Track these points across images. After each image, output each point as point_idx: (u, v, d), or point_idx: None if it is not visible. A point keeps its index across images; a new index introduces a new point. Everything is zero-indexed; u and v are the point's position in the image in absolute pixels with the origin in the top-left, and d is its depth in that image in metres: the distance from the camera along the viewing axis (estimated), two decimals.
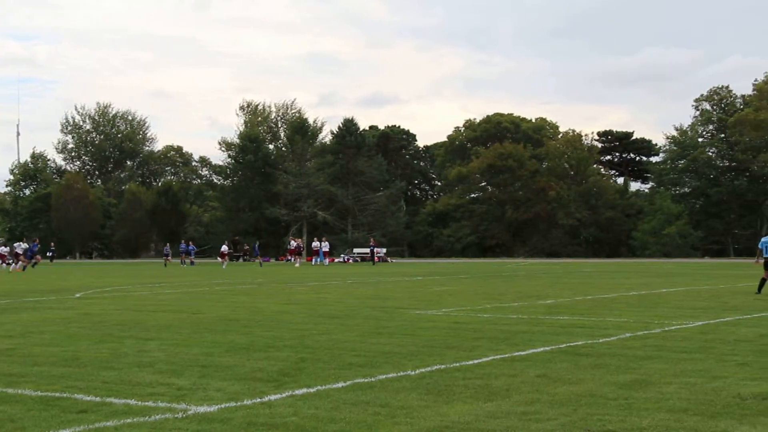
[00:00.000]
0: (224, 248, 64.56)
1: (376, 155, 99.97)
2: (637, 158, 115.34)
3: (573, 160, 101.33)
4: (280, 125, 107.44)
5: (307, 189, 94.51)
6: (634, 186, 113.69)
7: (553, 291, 25.83)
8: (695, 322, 15.27)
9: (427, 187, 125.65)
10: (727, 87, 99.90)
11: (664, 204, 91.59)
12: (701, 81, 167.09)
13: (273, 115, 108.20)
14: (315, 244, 66.86)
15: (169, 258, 66.53)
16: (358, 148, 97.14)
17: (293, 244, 67.20)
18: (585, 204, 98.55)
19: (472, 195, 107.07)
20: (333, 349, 11.66)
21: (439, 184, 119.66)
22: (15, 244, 56.92)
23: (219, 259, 66.57)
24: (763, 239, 23.55)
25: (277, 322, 15.86)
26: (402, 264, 68.17)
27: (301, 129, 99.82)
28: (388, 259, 77.26)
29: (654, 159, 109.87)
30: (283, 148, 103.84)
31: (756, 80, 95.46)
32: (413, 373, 9.52)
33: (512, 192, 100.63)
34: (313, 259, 65.86)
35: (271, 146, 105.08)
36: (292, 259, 66.93)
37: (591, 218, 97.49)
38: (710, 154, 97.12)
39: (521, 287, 28.29)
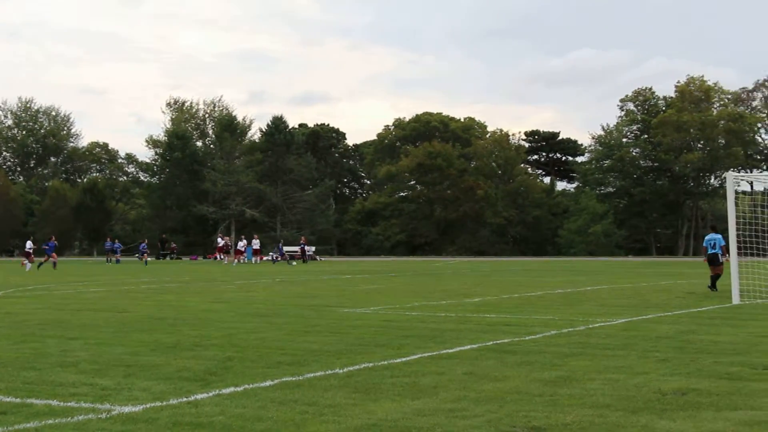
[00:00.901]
0: (143, 246, 63.75)
1: (305, 153, 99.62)
2: (564, 158, 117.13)
3: (501, 160, 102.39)
4: (208, 122, 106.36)
5: (235, 187, 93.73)
6: (561, 185, 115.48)
7: (481, 289, 26.05)
8: (618, 320, 15.55)
9: (356, 186, 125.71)
10: (650, 88, 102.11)
11: (589, 203, 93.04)
12: (626, 83, 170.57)
13: (201, 112, 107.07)
14: (241, 242, 66.27)
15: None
16: (287, 146, 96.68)
17: (220, 241, 66.62)
18: (512, 203, 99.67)
19: (401, 194, 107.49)
20: (261, 348, 11.58)
21: (369, 182, 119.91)
22: None
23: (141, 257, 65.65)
24: (707, 237, 24.03)
25: (204, 320, 15.69)
26: (331, 262, 68.06)
27: (229, 126, 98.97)
28: (317, 257, 77.00)
29: (580, 159, 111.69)
30: (212, 146, 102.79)
31: (678, 82, 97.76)
32: (341, 371, 9.50)
33: (441, 191, 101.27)
34: (241, 258, 65.24)
35: (199, 143, 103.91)
36: (220, 257, 66.23)
37: (518, 217, 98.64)
38: (634, 154, 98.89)
39: (449, 285, 28.47)
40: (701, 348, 11.51)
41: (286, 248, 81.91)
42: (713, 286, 23.36)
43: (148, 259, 64.49)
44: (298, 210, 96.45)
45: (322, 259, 78.58)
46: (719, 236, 23.75)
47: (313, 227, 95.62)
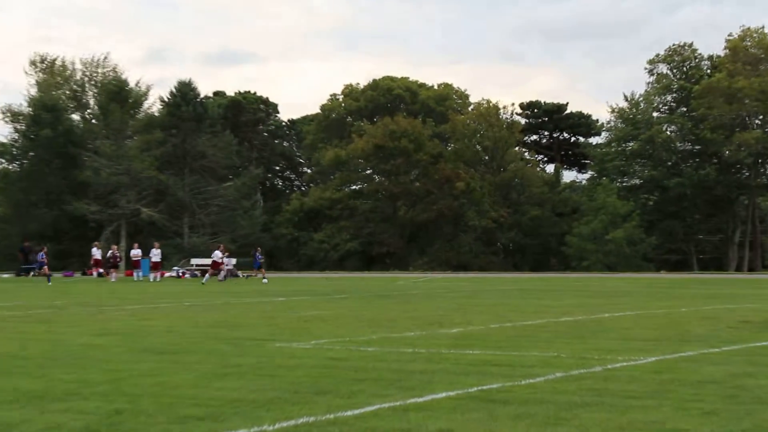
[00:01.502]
0: (41, 256, 62.68)
1: (222, 132, 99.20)
2: (573, 139, 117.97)
3: (488, 141, 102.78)
4: (88, 89, 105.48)
5: (126, 177, 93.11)
6: (569, 176, 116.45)
7: (461, 316, 26.08)
8: (647, 358, 15.64)
9: (292, 176, 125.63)
10: (691, 45, 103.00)
11: (607, 200, 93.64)
12: (657, 36, 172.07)
13: (79, 75, 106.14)
14: (135, 252, 65.75)
15: None
16: (197, 121, 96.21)
17: (96, 252, 66.13)
18: (504, 200, 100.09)
19: (354, 187, 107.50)
20: (162, 397, 11.50)
21: (309, 171, 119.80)
22: None
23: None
24: None
25: (84, 359, 15.55)
26: (259, 280, 67.84)
27: (118, 95, 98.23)
28: (239, 273, 76.78)
29: (595, 140, 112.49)
30: (94, 121, 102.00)
31: (730, 35, 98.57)
32: (271, 428, 9.48)
33: (407, 183, 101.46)
34: (135, 273, 64.89)
35: (75, 117, 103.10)
36: (99, 273, 65.83)
37: (512, 219, 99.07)
38: (669, 133, 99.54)
39: (419, 311, 28.48)
40: (760, 397, 11.60)
41: (195, 260, 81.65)
42: None
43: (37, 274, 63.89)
44: (212, 209, 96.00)
45: (246, 275, 78.32)
46: None
47: (234, 232, 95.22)
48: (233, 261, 76.81)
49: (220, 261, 61.88)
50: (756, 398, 11.44)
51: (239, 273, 76.43)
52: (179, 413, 10.41)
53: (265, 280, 60.00)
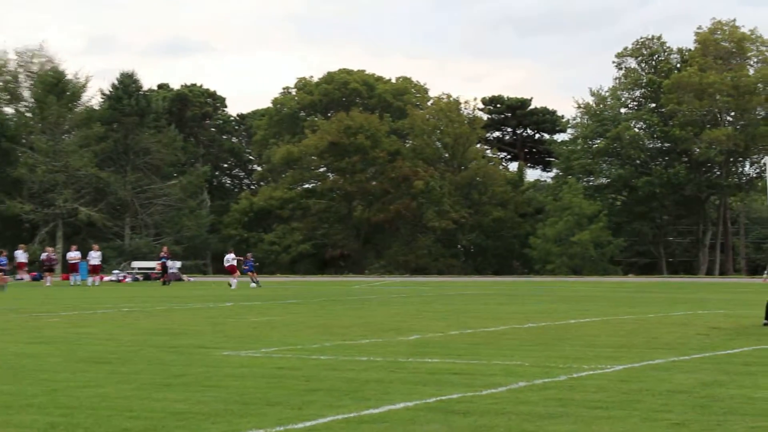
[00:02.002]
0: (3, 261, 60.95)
1: (167, 127, 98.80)
2: (537, 136, 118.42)
3: (449, 138, 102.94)
4: (23, 80, 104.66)
5: (64, 174, 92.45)
6: (533, 174, 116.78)
7: (420, 322, 26.12)
8: (614, 366, 15.73)
9: (241, 174, 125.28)
10: (660, 38, 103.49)
11: (573, 200, 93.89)
12: (626, 29, 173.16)
13: (12, 65, 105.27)
14: (72, 254, 65.31)
15: None
16: (140, 115, 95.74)
17: (21, 255, 65.41)
18: (465, 199, 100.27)
19: (307, 185, 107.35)
20: (99, 409, 11.43)
21: (259, 169, 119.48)
22: None
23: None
24: None
25: (16, 370, 15.45)
26: (205, 283, 67.61)
27: (55, 87, 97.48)
28: (184, 276, 76.56)
29: (560, 137, 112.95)
30: (28, 114, 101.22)
31: (699, 28, 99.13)
32: None
33: (363, 182, 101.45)
34: (71, 277, 64.44)
35: (9, 110, 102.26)
36: (20, 276, 65.48)
37: (473, 219, 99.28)
38: (637, 130, 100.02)
39: (375, 317, 28.50)
40: (731, 407, 11.69)
41: (137, 263, 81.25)
42: None
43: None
44: (156, 209, 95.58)
45: (192, 279, 78.07)
46: None
47: (179, 233, 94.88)
48: (177, 264, 76.54)
49: (233, 264, 60.36)
50: (727, 408, 11.52)
51: (184, 276, 76.18)
52: (118, 426, 10.34)
53: (253, 284, 58.72)
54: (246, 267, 61.68)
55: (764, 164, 20.91)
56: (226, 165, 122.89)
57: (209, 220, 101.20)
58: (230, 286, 55.97)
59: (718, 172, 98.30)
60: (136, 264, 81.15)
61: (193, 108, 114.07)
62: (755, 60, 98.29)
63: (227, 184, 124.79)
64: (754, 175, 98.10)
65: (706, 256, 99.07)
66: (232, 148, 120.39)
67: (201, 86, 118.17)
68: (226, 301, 38.57)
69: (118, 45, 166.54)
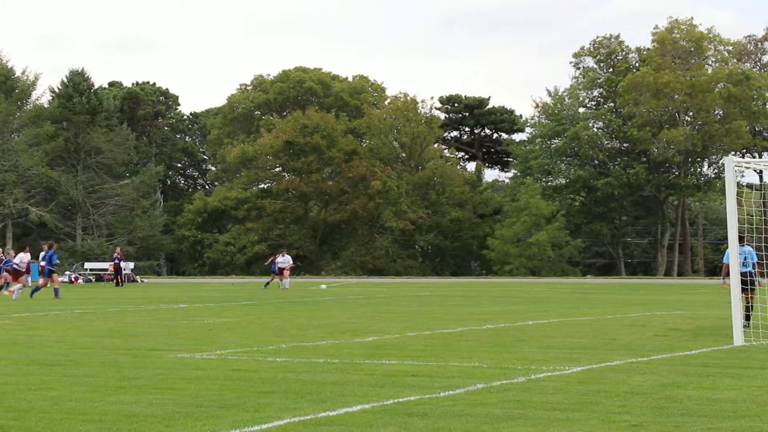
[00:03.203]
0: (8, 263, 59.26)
1: (119, 126, 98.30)
2: (495, 135, 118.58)
3: (406, 137, 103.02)
4: None
5: (13, 174, 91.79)
6: (491, 175, 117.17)
7: (377, 324, 26.14)
8: (572, 368, 15.80)
9: (195, 174, 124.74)
10: (617, 37, 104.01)
11: (531, 201, 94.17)
12: (583, 28, 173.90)
13: None
14: (22, 256, 64.69)
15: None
16: (91, 114, 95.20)
17: None
18: (422, 200, 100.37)
19: (262, 185, 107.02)
20: (51, 413, 11.36)
21: (214, 169, 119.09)
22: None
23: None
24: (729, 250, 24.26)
25: None
26: (159, 285, 67.32)
27: (3, 84, 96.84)
28: (138, 278, 76.23)
29: (518, 137, 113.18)
30: None
31: (656, 27, 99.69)
32: None
33: (319, 182, 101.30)
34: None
35: None
36: None
37: (430, 220, 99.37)
38: (595, 130, 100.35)
39: (331, 318, 28.48)
40: (689, 409, 11.79)
41: (89, 264, 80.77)
42: (749, 318, 23.76)
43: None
44: (108, 209, 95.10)
45: (145, 280, 77.74)
46: (751, 249, 24.24)
47: (132, 234, 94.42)
48: (131, 265, 76.21)
49: (286, 267, 58.64)
50: (685, 410, 11.60)
51: (137, 278, 75.88)
52: (71, 429, 10.29)
53: (287, 285, 56.97)
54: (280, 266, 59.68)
55: (722, 164, 20.86)
56: (179, 164, 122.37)
57: (162, 220, 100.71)
58: (283, 287, 55.34)
59: (677, 173, 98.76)
60: (88, 265, 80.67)
61: (146, 106, 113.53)
62: (713, 60, 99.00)
63: (181, 184, 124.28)
64: (713, 176, 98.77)
65: (664, 257, 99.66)
66: (186, 148, 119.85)
67: (153, 84, 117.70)
68: (180, 302, 38.43)
69: (67, 42, 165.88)
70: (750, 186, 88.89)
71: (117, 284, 63.26)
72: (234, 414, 11.27)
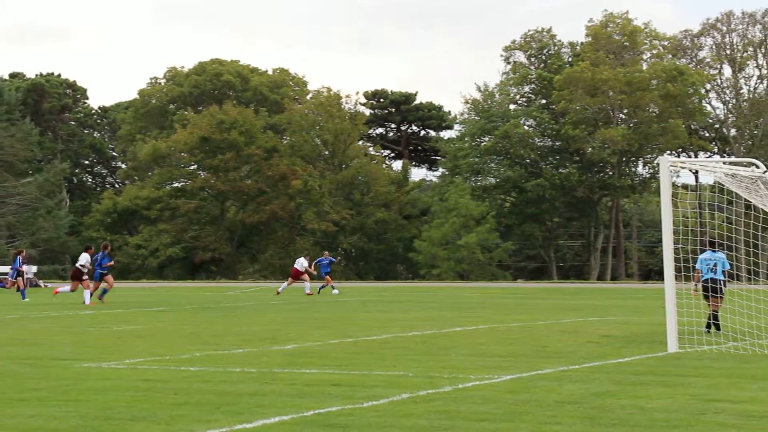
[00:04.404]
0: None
1: (21, 120, 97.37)
2: (423, 132, 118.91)
3: (329, 134, 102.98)
4: None
5: None
6: (418, 174, 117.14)
7: (297, 331, 26.12)
8: (502, 376, 15.89)
9: (104, 171, 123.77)
10: (549, 30, 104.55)
11: (460, 201, 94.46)
12: (514, 21, 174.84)
13: None
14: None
15: None
16: None
17: None
18: (346, 200, 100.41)
19: (176, 184, 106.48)
20: None
21: (124, 166, 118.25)
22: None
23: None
24: (703, 256, 24.51)
25: None
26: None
27: None
28: (41, 282, 75.49)
29: (446, 134, 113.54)
30: None
31: (590, 21, 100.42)
32: None
33: (237, 180, 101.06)
34: None
35: None
36: None
37: (355, 221, 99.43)
38: (527, 128, 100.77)
39: (249, 325, 28.42)
40: (622, 418, 11.90)
41: None
42: (710, 326, 23.97)
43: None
44: (9, 209, 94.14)
45: (49, 284, 77.01)
46: (723, 256, 24.55)
47: (35, 235, 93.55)
48: (33, 269, 75.41)
49: (304, 270, 56.84)
50: (617, 419, 11.72)
51: (40, 282, 75.13)
52: None
53: (335, 291, 55.64)
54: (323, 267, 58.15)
55: (657, 164, 21.17)
56: (87, 162, 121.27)
57: (68, 221, 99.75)
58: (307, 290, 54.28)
59: (611, 173, 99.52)
60: None
61: (51, 99, 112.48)
62: (648, 55, 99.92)
63: (88, 183, 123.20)
64: (648, 176, 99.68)
65: (597, 261, 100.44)
66: (94, 144, 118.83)
67: (59, 76, 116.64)
68: (87, 309, 38.13)
69: None
70: (686, 187, 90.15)
71: (18, 290, 62.09)
72: (144, 427, 11.20)
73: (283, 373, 16.40)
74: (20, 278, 51.70)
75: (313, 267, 56.90)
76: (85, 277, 42.57)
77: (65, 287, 45.60)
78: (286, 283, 55.92)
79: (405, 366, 17.38)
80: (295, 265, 55.52)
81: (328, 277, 57.60)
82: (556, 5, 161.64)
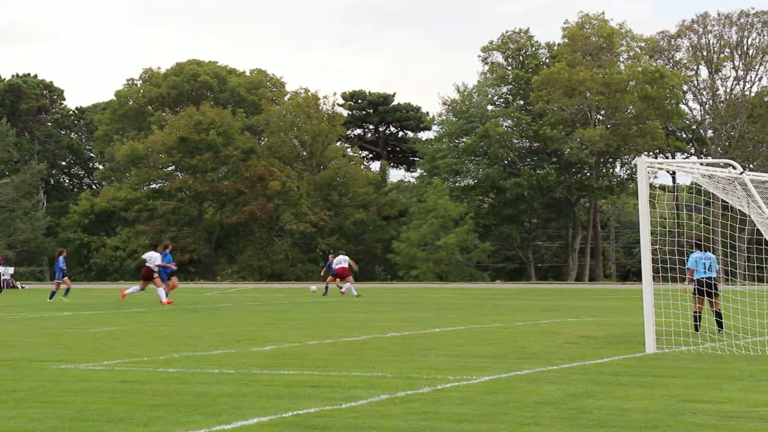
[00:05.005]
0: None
1: None
2: (401, 133, 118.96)
3: (306, 135, 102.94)
4: None
5: None
6: (396, 175, 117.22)
7: (276, 332, 26.11)
8: (480, 377, 15.90)
9: (81, 173, 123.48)
10: (527, 31, 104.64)
11: (438, 202, 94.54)
12: (492, 21, 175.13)
13: None
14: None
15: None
16: None
17: None
18: (324, 201, 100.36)
19: (154, 185, 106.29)
20: None
21: (101, 167, 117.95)
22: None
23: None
24: (695, 256, 24.49)
25: None
26: (42, 291, 66.59)
27: None
28: (18, 284, 75.27)
29: (425, 135, 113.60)
30: None
31: (567, 22, 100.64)
32: None
33: (215, 181, 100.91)
34: None
35: None
36: None
37: (333, 222, 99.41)
38: (505, 128, 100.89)
39: (227, 326, 28.38)
40: (600, 419, 11.94)
41: None
42: (698, 328, 23.99)
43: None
44: None
45: (26, 286, 76.79)
46: (713, 256, 24.56)
47: (12, 237, 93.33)
48: (10, 270, 75.18)
49: (344, 266, 55.82)
50: (596, 420, 11.74)
51: (17, 284, 74.92)
52: None
53: (354, 293, 54.67)
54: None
55: (635, 165, 21.31)
56: (64, 163, 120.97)
57: (45, 222, 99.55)
58: (347, 291, 53.81)
59: (589, 174, 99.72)
60: None
61: (28, 100, 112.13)
62: (625, 56, 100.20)
63: (66, 184, 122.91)
64: (625, 177, 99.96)
65: (575, 261, 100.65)
66: (71, 145, 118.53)
67: (36, 76, 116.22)
68: (64, 310, 38.02)
69: None
70: (663, 188, 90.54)
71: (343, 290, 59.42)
72: (122, 428, 11.18)
73: (262, 374, 16.38)
74: (67, 279, 51.03)
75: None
76: (156, 275, 42.46)
77: (133, 288, 45.12)
78: (348, 284, 54.69)
79: (384, 367, 17.38)
80: (342, 264, 54.94)
81: (332, 276, 56.71)
82: (532, 6, 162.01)
